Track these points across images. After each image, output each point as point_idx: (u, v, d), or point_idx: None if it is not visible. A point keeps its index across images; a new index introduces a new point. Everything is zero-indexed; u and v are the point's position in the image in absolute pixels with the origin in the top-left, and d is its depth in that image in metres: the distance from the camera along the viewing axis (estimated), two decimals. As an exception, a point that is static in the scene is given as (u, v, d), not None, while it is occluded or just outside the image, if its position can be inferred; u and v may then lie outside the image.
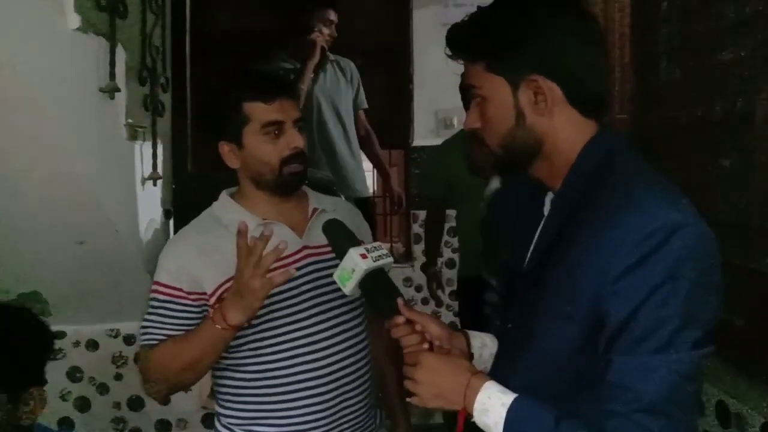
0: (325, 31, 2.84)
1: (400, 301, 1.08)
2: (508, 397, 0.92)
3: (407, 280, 3.51)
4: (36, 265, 2.04)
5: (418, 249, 3.50)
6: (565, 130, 0.97)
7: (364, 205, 2.96)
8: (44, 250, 1.98)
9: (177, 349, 1.29)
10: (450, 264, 3.60)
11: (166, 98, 2.27)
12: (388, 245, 4.02)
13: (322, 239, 1.25)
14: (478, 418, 0.94)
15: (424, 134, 3.56)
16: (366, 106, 3.24)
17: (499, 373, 1.05)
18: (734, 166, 1.62)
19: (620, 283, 0.85)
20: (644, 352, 0.83)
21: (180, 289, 1.34)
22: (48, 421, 2.35)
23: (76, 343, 2.39)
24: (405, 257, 3.77)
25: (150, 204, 2.20)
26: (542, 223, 1.03)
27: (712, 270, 0.86)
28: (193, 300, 1.34)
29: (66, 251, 1.96)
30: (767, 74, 1.46)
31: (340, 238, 1.13)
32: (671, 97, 1.92)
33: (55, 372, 2.37)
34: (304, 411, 1.35)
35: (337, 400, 1.37)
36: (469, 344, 1.15)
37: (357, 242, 1.12)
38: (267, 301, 1.34)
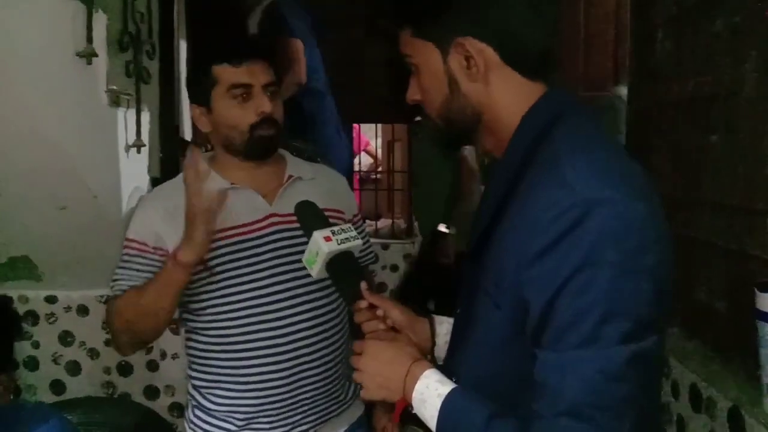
0: None
1: (363, 285, 1.05)
2: (445, 388, 0.86)
3: (407, 257, 3.49)
4: (21, 229, 2.06)
5: (420, 225, 3.47)
6: (506, 96, 0.89)
7: None
8: (28, 214, 1.99)
9: (136, 295, 1.29)
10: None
11: (153, 65, 2.26)
12: (390, 221, 3.99)
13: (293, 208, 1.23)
14: (417, 408, 0.88)
15: (429, 109, 3.51)
16: None
17: (450, 360, 1.00)
18: (720, 142, 1.54)
19: (535, 268, 0.76)
20: (566, 347, 0.74)
21: (146, 244, 1.36)
22: (41, 383, 2.45)
23: (68, 308, 2.42)
24: (406, 233, 3.75)
25: (135, 172, 2.20)
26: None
27: (641, 251, 0.74)
28: (160, 256, 1.35)
29: (49, 216, 1.97)
30: (756, 44, 1.37)
31: (308, 220, 1.11)
32: (665, 70, 1.84)
33: (47, 335, 2.43)
34: (260, 378, 1.35)
35: (295, 370, 1.36)
36: (434, 330, 1.10)
37: (327, 224, 1.10)
38: (228, 266, 1.35)
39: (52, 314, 2.42)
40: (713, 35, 1.56)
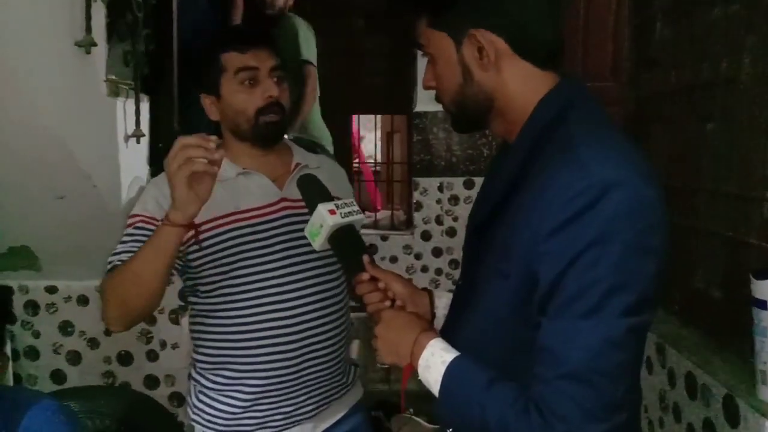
0: None
1: (365, 258, 1.09)
2: (449, 355, 0.92)
3: (407, 248, 3.50)
4: (21, 220, 2.07)
5: (419, 216, 3.48)
6: (518, 85, 0.93)
7: None
8: (26, 204, 2.00)
9: (129, 261, 1.25)
10: (450, 232, 3.57)
11: (152, 55, 2.26)
12: (389, 213, 4.00)
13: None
14: (422, 374, 0.94)
15: (427, 100, 3.51)
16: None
17: (448, 330, 1.04)
18: (717, 130, 1.55)
19: (550, 242, 0.81)
20: (572, 316, 0.79)
21: (154, 218, 1.34)
22: (41, 373, 2.47)
23: (68, 298, 2.43)
24: (405, 224, 3.76)
25: (135, 162, 2.20)
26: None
27: (649, 232, 0.80)
28: None
29: (47, 206, 1.98)
30: (753, 32, 1.38)
31: (312, 194, 1.14)
32: (664, 59, 1.85)
33: (48, 326, 2.44)
34: (267, 359, 1.37)
35: (302, 351, 1.39)
36: (433, 303, 1.15)
37: (330, 198, 1.12)
38: (241, 248, 1.37)
39: (53, 304, 2.43)
40: (711, 24, 1.57)
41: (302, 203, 1.18)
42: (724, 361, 1.44)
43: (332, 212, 1.07)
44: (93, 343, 2.44)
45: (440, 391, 0.91)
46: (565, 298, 0.80)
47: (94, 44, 1.82)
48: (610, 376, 0.79)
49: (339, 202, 1.10)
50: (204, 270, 1.36)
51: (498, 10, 0.91)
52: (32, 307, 2.43)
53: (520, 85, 0.93)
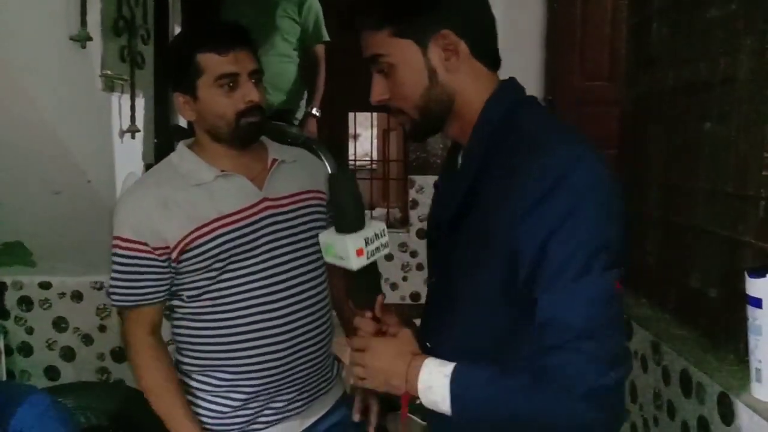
0: None
1: (379, 299, 1.05)
2: (448, 368, 0.91)
3: (402, 246, 3.50)
4: (15, 215, 2.06)
5: (415, 214, 3.48)
6: (472, 85, 0.99)
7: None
8: (22, 200, 1.99)
9: (158, 392, 1.37)
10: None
11: (148, 50, 2.25)
12: (385, 211, 4.00)
13: (282, 191, 1.23)
14: (425, 397, 0.92)
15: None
16: None
17: (430, 330, 1.04)
18: (714, 129, 1.55)
19: (527, 221, 0.85)
20: (565, 283, 0.84)
21: (145, 244, 1.32)
22: (35, 369, 2.46)
23: (62, 294, 2.42)
24: (401, 223, 3.76)
25: (129, 157, 2.19)
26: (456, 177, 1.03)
27: (614, 199, 0.88)
28: (159, 255, 1.32)
29: (43, 202, 1.97)
30: (750, 31, 1.38)
31: (345, 205, 0.98)
32: (661, 58, 1.85)
33: (42, 321, 2.44)
34: (259, 359, 1.37)
35: (292, 350, 1.38)
36: None
37: (361, 219, 0.99)
38: (227, 254, 1.35)
39: (47, 300, 2.42)
40: (708, 23, 1.57)
41: (284, 201, 1.13)
42: (719, 360, 1.44)
43: (360, 253, 0.95)
44: (87, 339, 2.43)
45: (451, 403, 0.89)
46: (554, 268, 0.84)
47: (90, 38, 1.81)
48: (612, 327, 0.85)
49: (370, 235, 0.97)
50: (189, 276, 1.34)
51: (460, 11, 0.96)
52: (26, 302, 2.42)
53: (474, 85, 0.99)
